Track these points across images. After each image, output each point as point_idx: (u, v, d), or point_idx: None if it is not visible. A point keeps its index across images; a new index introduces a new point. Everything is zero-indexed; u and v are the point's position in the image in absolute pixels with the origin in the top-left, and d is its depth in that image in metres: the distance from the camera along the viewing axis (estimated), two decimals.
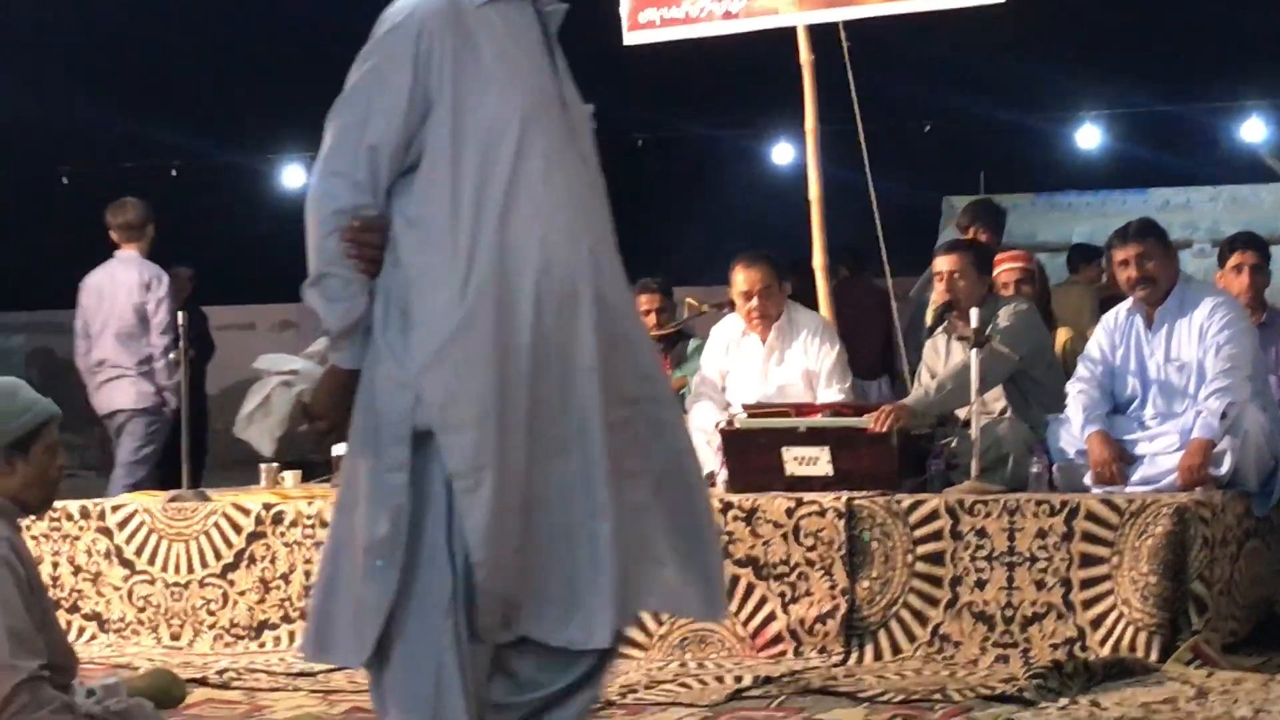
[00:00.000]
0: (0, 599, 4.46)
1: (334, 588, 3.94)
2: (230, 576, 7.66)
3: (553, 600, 3.88)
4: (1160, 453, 6.92)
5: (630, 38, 9.18)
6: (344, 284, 3.87)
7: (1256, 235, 8.30)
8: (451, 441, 3.78)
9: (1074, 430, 7.08)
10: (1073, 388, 7.20)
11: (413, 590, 3.83)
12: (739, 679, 6.38)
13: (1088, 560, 6.55)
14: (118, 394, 10.05)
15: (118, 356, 10.02)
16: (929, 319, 8.30)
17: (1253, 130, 16.35)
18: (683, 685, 6.34)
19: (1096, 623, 6.52)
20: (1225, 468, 6.76)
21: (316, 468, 8.90)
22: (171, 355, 8.13)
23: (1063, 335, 8.69)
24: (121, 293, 10.05)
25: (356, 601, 3.88)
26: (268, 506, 7.67)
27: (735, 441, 7.36)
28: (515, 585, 3.84)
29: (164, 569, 7.75)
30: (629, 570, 3.92)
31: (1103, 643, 6.48)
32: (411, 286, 3.83)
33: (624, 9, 9.15)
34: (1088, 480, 6.99)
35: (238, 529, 7.68)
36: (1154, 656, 6.35)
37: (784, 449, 7.23)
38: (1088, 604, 6.55)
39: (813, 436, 7.22)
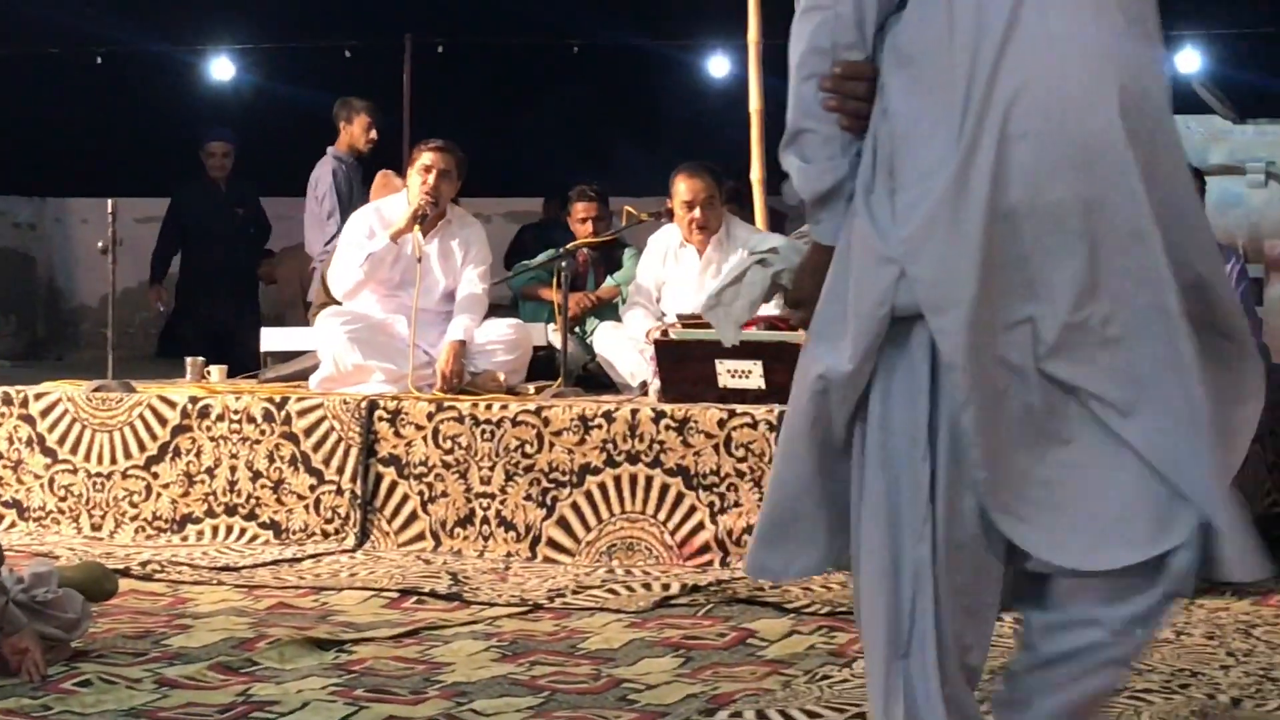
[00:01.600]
0: None
1: (787, 491, 3.27)
2: (154, 469, 7.61)
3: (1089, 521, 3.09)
4: None
5: None
6: (823, 141, 3.16)
7: (1192, 164, 8.37)
8: (945, 325, 3.02)
9: None
10: None
11: (867, 499, 3.15)
12: (666, 587, 6.40)
13: None
14: None
15: None
16: None
17: (1188, 61, 16.39)
18: (610, 592, 6.36)
19: None
20: None
21: (246, 362, 8.86)
22: (100, 243, 8.03)
23: None
24: None
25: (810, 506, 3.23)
26: (194, 400, 7.61)
27: (669, 352, 7.35)
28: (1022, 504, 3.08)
29: (86, 459, 7.69)
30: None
31: None
32: (901, 139, 3.09)
33: None
34: None
35: (163, 421, 7.62)
36: None
37: (717, 361, 7.23)
38: None
39: (746, 350, 7.22)
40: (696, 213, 8.03)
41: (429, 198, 7.86)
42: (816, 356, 3.14)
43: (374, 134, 10.28)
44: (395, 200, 8.15)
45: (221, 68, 16.95)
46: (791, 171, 3.21)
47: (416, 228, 7.84)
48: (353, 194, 9.99)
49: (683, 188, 8.06)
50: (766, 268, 3.76)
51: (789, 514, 3.24)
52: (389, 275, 7.97)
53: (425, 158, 7.95)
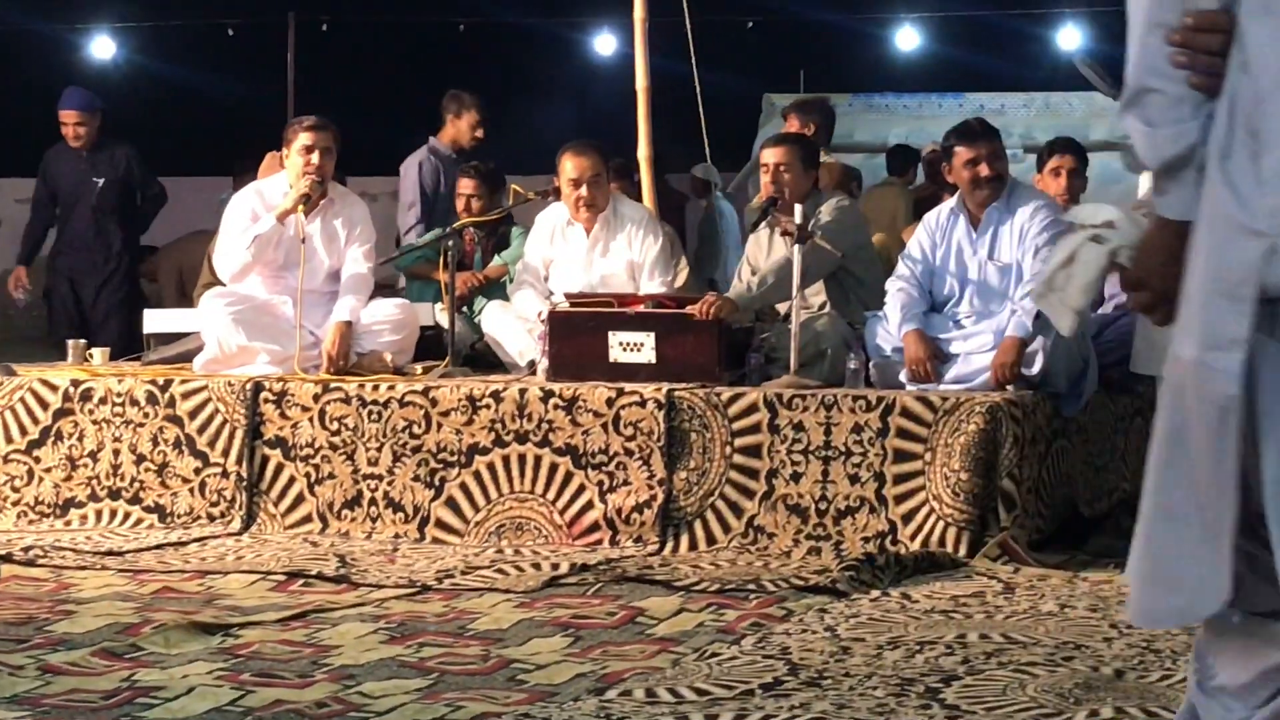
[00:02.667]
0: None
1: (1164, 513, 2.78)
2: (36, 453, 7.51)
3: None
4: (974, 351, 7.00)
5: None
6: (1171, 103, 2.77)
7: (1074, 140, 8.44)
8: None
9: (891, 328, 7.14)
10: (892, 285, 7.26)
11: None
12: (555, 566, 6.39)
13: (901, 456, 6.66)
14: None
15: None
16: (748, 214, 8.32)
17: (1068, 38, 16.53)
18: (499, 572, 6.35)
19: (908, 517, 6.64)
20: (1036, 367, 6.87)
21: (129, 344, 8.74)
22: None
23: (877, 237, 8.75)
24: None
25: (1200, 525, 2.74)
26: (76, 383, 7.52)
27: (562, 324, 7.33)
28: None
29: None
30: None
31: (913, 537, 6.60)
32: (1265, 98, 2.70)
33: None
34: (903, 378, 7.07)
35: (44, 405, 7.53)
36: (963, 552, 6.49)
37: (610, 333, 7.22)
38: (900, 499, 6.66)
39: (639, 321, 7.24)
40: (583, 190, 8.01)
41: (315, 178, 7.79)
42: (1176, 354, 2.75)
43: (481, 131, 10.14)
44: (276, 181, 8.06)
45: (102, 46, 16.69)
46: (1134, 136, 2.84)
47: (300, 208, 7.77)
48: (440, 188, 9.89)
49: (569, 165, 8.04)
50: (1102, 244, 3.32)
51: (1175, 547, 2.77)
52: (273, 256, 7.89)
53: (304, 138, 7.85)
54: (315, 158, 7.82)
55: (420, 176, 9.85)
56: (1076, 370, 6.99)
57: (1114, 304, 7.80)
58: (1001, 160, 7.25)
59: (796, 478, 6.76)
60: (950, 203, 7.37)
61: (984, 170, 7.17)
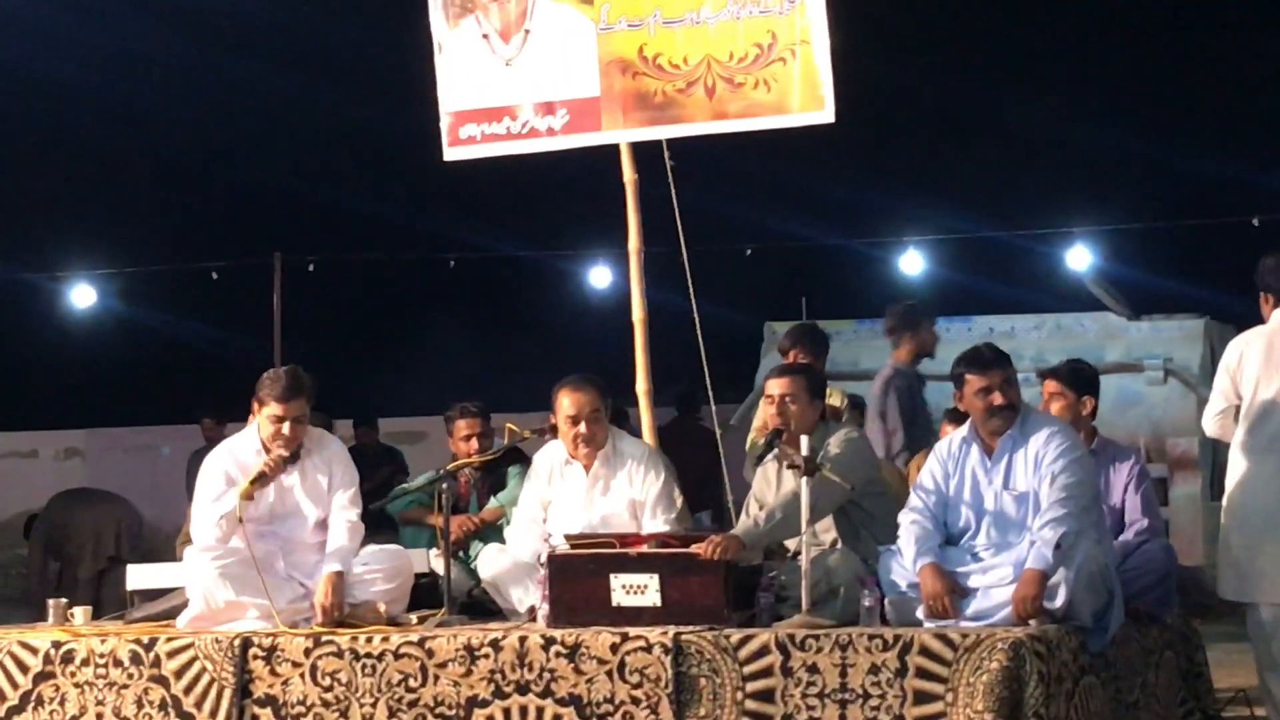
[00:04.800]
0: None
1: None
2: None
3: None
4: (994, 585, 6.75)
5: (450, 153, 8.96)
6: None
7: (1065, 364, 8.16)
8: None
9: (906, 562, 6.89)
10: (905, 518, 7.02)
11: None
12: None
13: (922, 697, 6.38)
14: None
15: None
16: (749, 446, 8.12)
17: (1078, 258, 16.39)
18: None
19: None
20: (1060, 600, 6.61)
21: (105, 604, 8.49)
22: None
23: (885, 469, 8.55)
24: None
25: None
26: (57, 645, 7.25)
27: (562, 567, 7.10)
28: None
29: None
30: None
31: None
32: None
33: (444, 124, 8.93)
34: (920, 614, 6.79)
35: (24, 669, 7.27)
36: None
37: (612, 576, 6.98)
38: None
39: (643, 563, 7.01)
40: (582, 427, 7.81)
41: (275, 462, 7.55)
42: None
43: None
44: (247, 437, 7.81)
45: (82, 294, 16.49)
46: None
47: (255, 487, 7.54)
48: (916, 402, 9.84)
49: (566, 402, 7.85)
50: None
51: None
52: (256, 514, 7.64)
53: (274, 408, 7.62)
54: (286, 428, 7.61)
55: (899, 396, 9.89)
56: (1101, 602, 6.73)
57: (1134, 530, 7.56)
58: (1014, 388, 7.05)
59: None
60: (962, 431, 7.16)
61: (996, 399, 6.97)
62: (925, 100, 17.14)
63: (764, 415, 7.70)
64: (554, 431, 8.05)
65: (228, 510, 7.53)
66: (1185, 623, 7.79)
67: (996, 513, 6.95)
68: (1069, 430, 7.12)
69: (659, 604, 6.96)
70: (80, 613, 7.94)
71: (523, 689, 6.77)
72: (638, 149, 8.88)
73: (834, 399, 9.52)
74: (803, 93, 8.37)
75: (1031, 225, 16.53)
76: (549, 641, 6.77)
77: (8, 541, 11.29)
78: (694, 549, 7.02)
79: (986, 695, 6.25)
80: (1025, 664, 6.28)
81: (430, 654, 6.88)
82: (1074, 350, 12.87)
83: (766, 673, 6.54)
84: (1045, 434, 6.94)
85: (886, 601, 6.90)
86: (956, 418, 8.45)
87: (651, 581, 6.99)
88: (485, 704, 6.80)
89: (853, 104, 8.39)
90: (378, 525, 8.69)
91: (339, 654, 6.97)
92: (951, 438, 7.21)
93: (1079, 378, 7.93)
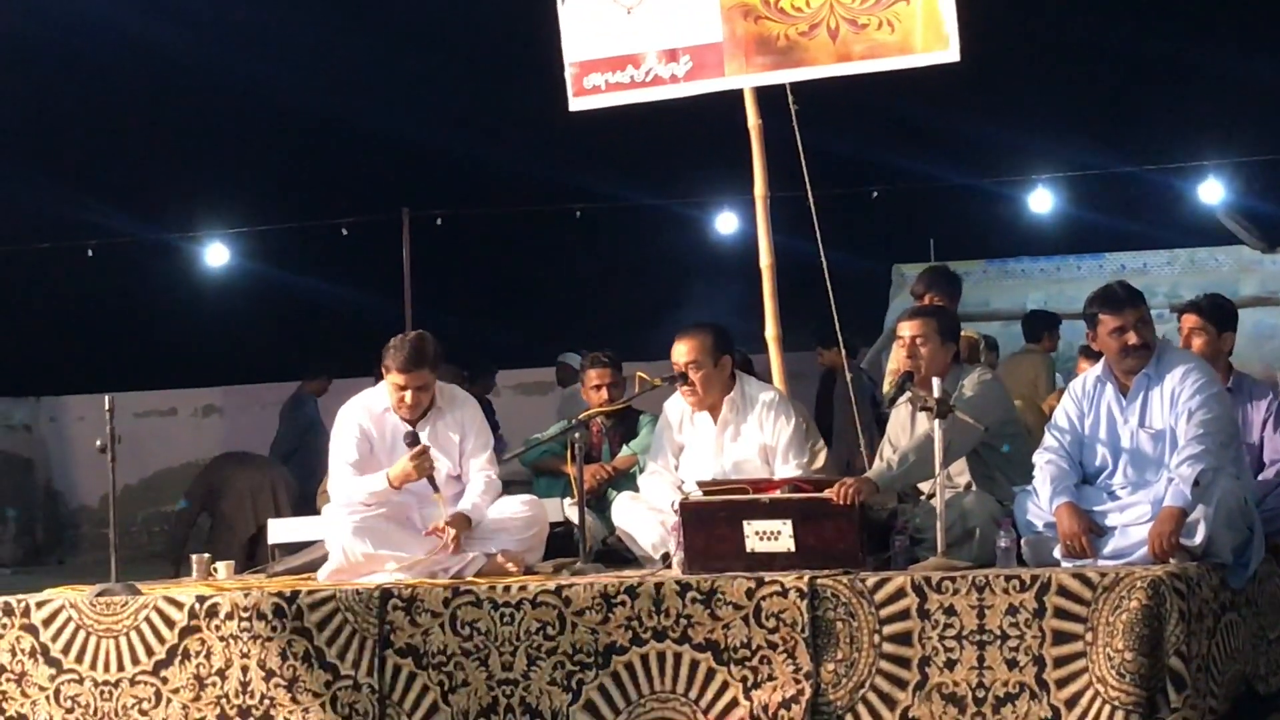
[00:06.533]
0: None
1: None
2: (163, 674, 7.32)
3: None
4: (1131, 524, 6.69)
5: (576, 104, 8.97)
6: None
7: (1205, 298, 8.02)
8: None
9: (1042, 502, 6.84)
10: (1040, 458, 6.96)
11: None
12: None
13: (1061, 637, 6.32)
14: None
15: None
16: (887, 387, 8.07)
17: (1210, 192, 16.05)
18: None
19: (1072, 702, 6.28)
20: (1199, 538, 6.53)
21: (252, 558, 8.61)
22: (98, 442, 7.77)
23: (1017, 406, 8.46)
24: None
25: None
26: (201, 599, 7.34)
27: (695, 515, 7.10)
28: None
29: (93, 667, 7.39)
30: None
31: None
32: None
33: (569, 74, 8.94)
34: (1057, 554, 6.75)
35: (170, 623, 7.34)
36: None
37: (745, 523, 6.98)
38: (1062, 683, 6.30)
39: (775, 509, 6.99)
40: (685, 377, 7.83)
41: (425, 466, 7.60)
42: None
43: None
44: (379, 394, 7.88)
45: (216, 253, 16.70)
46: None
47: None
48: None
49: (672, 352, 7.87)
50: None
51: None
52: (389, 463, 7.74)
53: (396, 378, 7.70)
54: (408, 397, 7.68)
55: None
56: (1241, 539, 6.64)
57: (1275, 470, 7.45)
58: (1148, 327, 6.95)
59: (951, 665, 6.43)
60: (1096, 369, 7.07)
61: (1131, 339, 6.88)
62: (1050, 36, 16.89)
63: (897, 358, 7.65)
64: (684, 379, 8.06)
65: (378, 488, 7.61)
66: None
67: (1133, 451, 6.87)
68: (1205, 366, 7.01)
69: (793, 549, 6.95)
70: (223, 567, 8.06)
71: (660, 635, 6.79)
72: (761, 93, 8.84)
73: (970, 335, 9.47)
74: (926, 32, 8.30)
75: (1162, 159, 16.23)
76: (684, 587, 6.78)
77: (151, 499, 11.44)
78: (826, 494, 7.01)
79: (1127, 634, 6.18)
80: (1165, 602, 6.19)
81: (567, 602, 6.92)
82: (1208, 285, 12.69)
83: (903, 615, 6.51)
84: (1181, 371, 6.85)
85: (1023, 542, 6.86)
86: (1091, 355, 8.37)
87: (785, 527, 6.98)
88: (623, 650, 6.83)
89: (977, 41, 8.30)
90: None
91: (477, 603, 7.02)
92: (1086, 376, 7.13)
93: (1221, 313, 7.80)
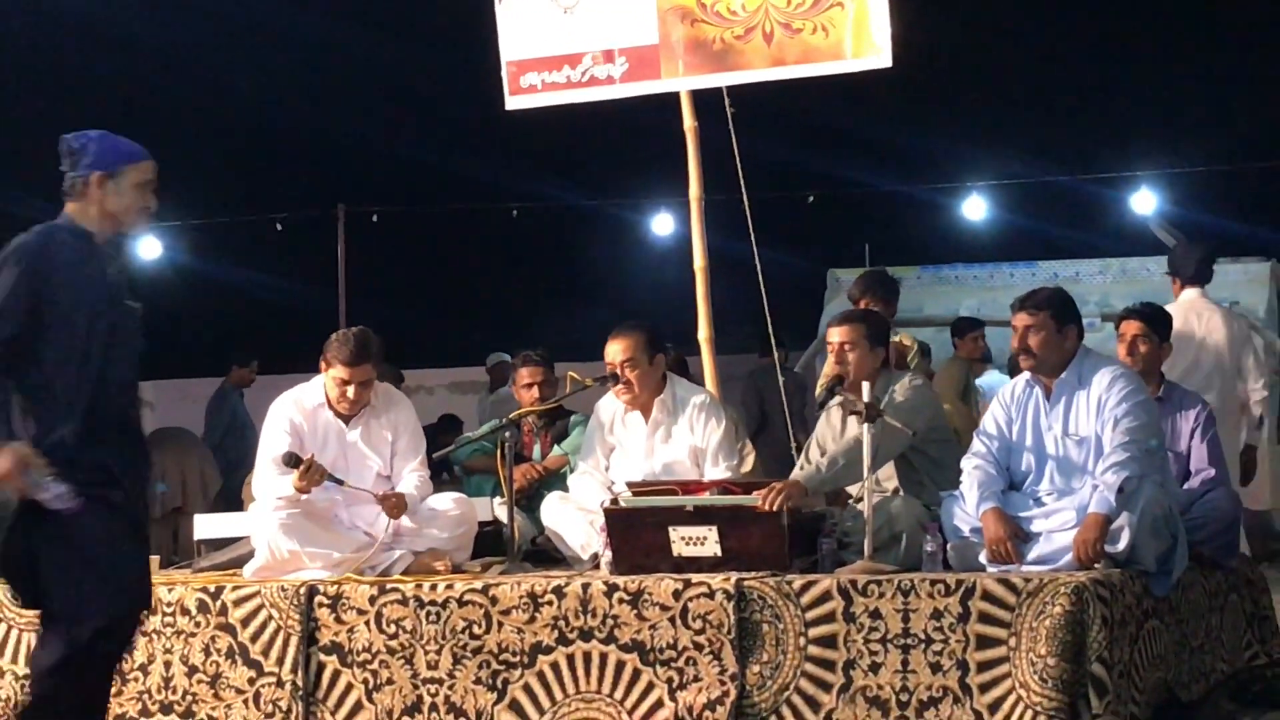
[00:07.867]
0: None
1: None
2: None
3: None
4: (1056, 530, 6.72)
5: (512, 103, 8.97)
6: None
7: (1147, 306, 8.10)
8: None
9: (969, 507, 6.87)
10: (968, 463, 6.99)
11: None
12: None
13: (985, 642, 6.35)
14: None
15: None
16: (818, 392, 8.09)
17: (1143, 201, 16.22)
18: None
19: (994, 707, 6.31)
20: (1122, 544, 6.57)
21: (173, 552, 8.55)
22: None
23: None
24: None
25: None
26: None
27: (620, 521, 7.09)
28: None
29: (14, 660, 7.33)
30: None
31: None
32: None
33: (505, 73, 8.93)
34: (983, 559, 6.78)
35: None
36: None
37: (671, 528, 6.97)
38: (985, 687, 6.33)
39: (700, 516, 6.98)
40: (620, 376, 7.83)
41: (314, 482, 7.52)
42: None
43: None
44: (313, 388, 7.83)
45: (148, 247, 16.60)
46: None
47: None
48: None
49: (606, 350, 7.87)
50: None
51: None
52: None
53: (339, 371, 7.66)
54: (351, 392, 7.65)
55: None
56: (1165, 547, 6.69)
57: (1200, 479, 7.50)
58: (1040, 333, 6.95)
59: (875, 668, 6.45)
60: (1025, 375, 7.10)
61: (1014, 342, 6.99)
62: (985, 45, 17.00)
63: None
64: (615, 379, 8.06)
65: (286, 494, 7.55)
66: (1250, 567, 7.74)
67: (1059, 457, 6.91)
68: (1130, 374, 7.06)
69: (719, 554, 6.95)
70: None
71: (586, 635, 6.79)
72: (698, 96, 8.86)
73: (904, 340, 9.51)
74: (859, 38, 8.34)
75: (1095, 169, 16.37)
76: (612, 588, 6.78)
77: None
78: (754, 495, 7.01)
79: (1050, 639, 6.21)
80: (1088, 608, 6.23)
81: (494, 601, 6.91)
82: (1139, 294, 12.74)
83: (829, 618, 6.53)
84: (1108, 378, 6.88)
85: (949, 547, 6.88)
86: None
87: (710, 533, 6.97)
88: (549, 650, 6.83)
89: (912, 49, 8.35)
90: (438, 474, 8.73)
91: (403, 601, 7.01)
92: (1015, 382, 7.17)
93: (1164, 322, 7.87)
